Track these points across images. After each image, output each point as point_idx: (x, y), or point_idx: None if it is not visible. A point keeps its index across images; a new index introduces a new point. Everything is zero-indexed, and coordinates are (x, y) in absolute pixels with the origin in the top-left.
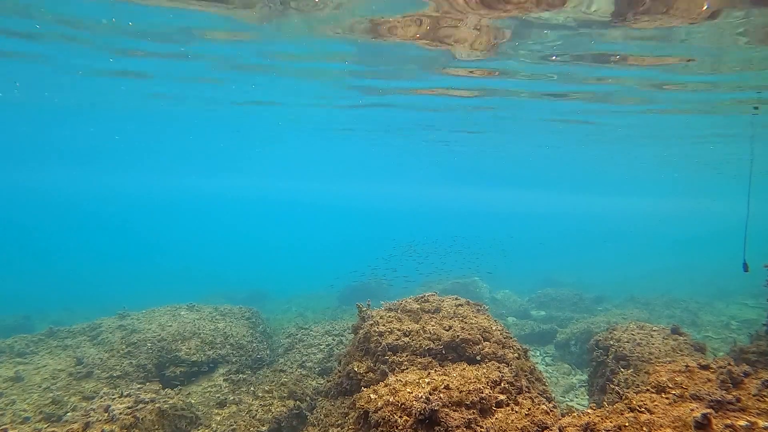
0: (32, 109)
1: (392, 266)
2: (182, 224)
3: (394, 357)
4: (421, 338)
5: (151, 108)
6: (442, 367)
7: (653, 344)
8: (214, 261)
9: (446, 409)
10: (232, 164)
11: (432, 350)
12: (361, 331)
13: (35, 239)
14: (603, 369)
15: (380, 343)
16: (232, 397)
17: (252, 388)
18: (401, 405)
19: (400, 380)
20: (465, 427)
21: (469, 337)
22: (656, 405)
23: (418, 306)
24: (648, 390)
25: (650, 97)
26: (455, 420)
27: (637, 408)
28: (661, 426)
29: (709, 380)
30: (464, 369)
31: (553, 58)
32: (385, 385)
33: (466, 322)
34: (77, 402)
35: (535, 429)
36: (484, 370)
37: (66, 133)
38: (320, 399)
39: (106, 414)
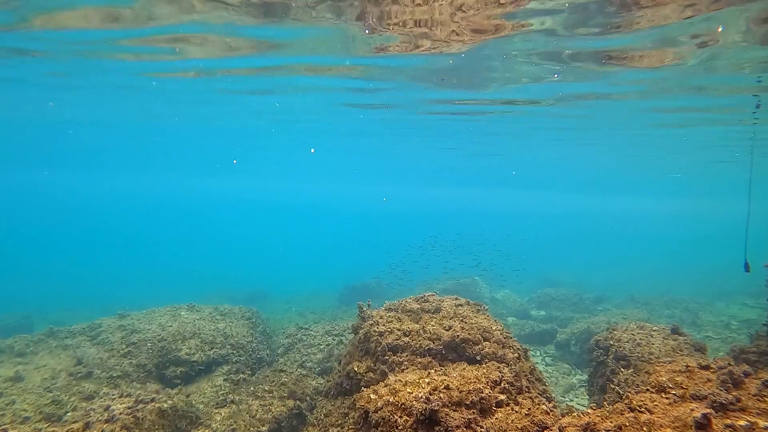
0: (33, 111)
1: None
2: (182, 225)
3: (394, 357)
4: (421, 338)
5: (150, 110)
6: (442, 367)
7: (653, 344)
8: (214, 261)
9: (446, 409)
10: (232, 165)
11: (432, 350)
12: (361, 331)
13: (35, 239)
14: (603, 369)
15: (380, 343)
16: (232, 397)
17: (252, 388)
18: (401, 405)
19: (400, 380)
20: (465, 427)
21: (469, 337)
22: (656, 405)
23: (418, 306)
24: (648, 390)
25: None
26: (455, 420)
27: (637, 408)
28: (661, 426)
29: (709, 380)
30: (464, 369)
31: (555, 77)
32: (385, 385)
33: (466, 322)
34: (77, 402)
35: (535, 429)
36: (484, 370)
37: (66, 134)
38: (320, 399)
39: (107, 414)
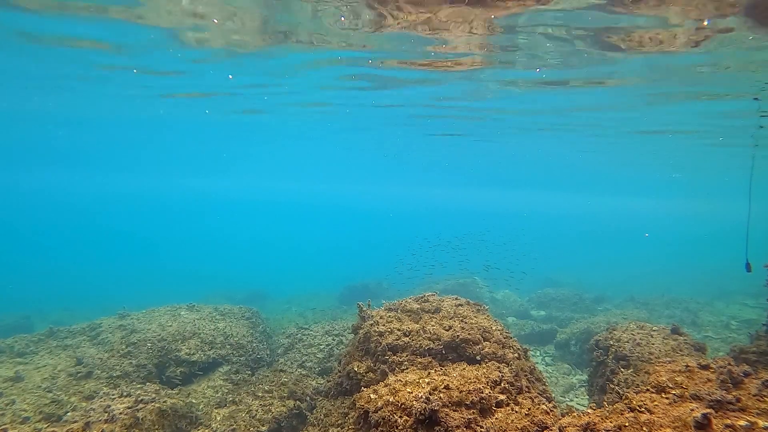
0: (31, 110)
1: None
2: (182, 224)
3: (394, 357)
4: (421, 338)
5: (150, 111)
6: (442, 367)
7: (653, 344)
8: (213, 261)
9: (446, 409)
10: (231, 165)
11: (432, 350)
12: (361, 331)
13: (35, 239)
14: (603, 369)
15: (380, 343)
16: (232, 397)
17: (252, 388)
18: (401, 405)
19: (400, 380)
20: (465, 427)
21: (469, 337)
22: (656, 405)
23: (418, 306)
24: (648, 390)
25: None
26: (455, 420)
27: (637, 408)
28: (661, 426)
29: (709, 380)
30: (464, 369)
31: (537, 70)
32: (385, 385)
33: (466, 322)
34: (77, 402)
35: (535, 429)
36: (484, 370)
37: (65, 134)
38: (320, 399)
39: (106, 414)
